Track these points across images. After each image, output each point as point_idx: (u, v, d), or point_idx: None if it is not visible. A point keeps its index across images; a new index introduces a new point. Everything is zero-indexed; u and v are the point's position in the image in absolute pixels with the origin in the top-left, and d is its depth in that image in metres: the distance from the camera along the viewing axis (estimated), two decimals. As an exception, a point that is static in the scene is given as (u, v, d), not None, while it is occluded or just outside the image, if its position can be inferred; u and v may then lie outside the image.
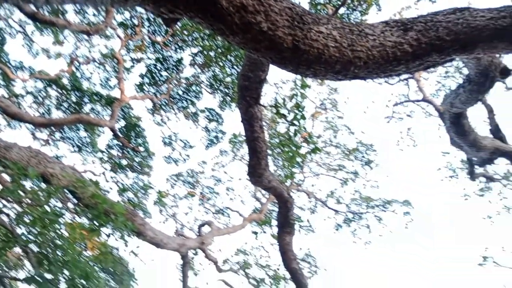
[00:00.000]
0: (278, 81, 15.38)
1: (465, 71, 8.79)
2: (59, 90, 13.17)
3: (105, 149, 14.05)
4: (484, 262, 10.83)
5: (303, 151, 7.23)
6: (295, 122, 6.13)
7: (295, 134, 6.45)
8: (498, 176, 13.77)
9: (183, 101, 13.49)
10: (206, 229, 12.04)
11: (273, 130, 10.52)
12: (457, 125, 7.09)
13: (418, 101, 13.83)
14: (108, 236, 6.82)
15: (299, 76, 6.63)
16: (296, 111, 6.01)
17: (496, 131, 8.55)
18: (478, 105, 9.80)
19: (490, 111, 9.01)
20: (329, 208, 15.71)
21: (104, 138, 14.09)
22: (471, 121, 7.45)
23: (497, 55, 5.66)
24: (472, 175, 11.94)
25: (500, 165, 13.70)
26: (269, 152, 8.05)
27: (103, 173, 13.91)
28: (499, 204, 13.86)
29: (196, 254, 11.95)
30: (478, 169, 12.62)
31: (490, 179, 13.17)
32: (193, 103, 13.59)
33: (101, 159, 14.11)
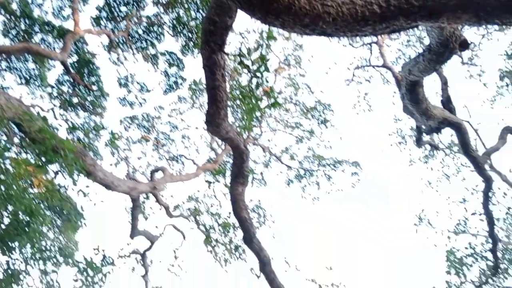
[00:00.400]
0: (244, 31, 14.99)
1: (426, 41, 9.01)
2: (7, 16, 12.06)
3: (55, 84, 13.27)
4: (419, 223, 11.70)
5: (263, 104, 7.24)
6: (258, 74, 6.05)
7: (257, 87, 6.40)
8: (442, 145, 14.64)
9: (143, 41, 12.83)
10: (159, 175, 12.00)
11: (235, 82, 10.39)
12: (412, 93, 7.32)
13: (378, 66, 14.12)
14: (56, 173, 6.63)
15: (266, 28, 6.49)
16: (260, 63, 5.92)
17: (447, 102, 8.96)
18: (433, 76, 10.17)
19: (445, 82, 9.38)
20: (282, 163, 16.12)
21: (55, 72, 13.26)
22: (425, 91, 7.76)
23: (459, 27, 5.81)
24: (419, 143, 12.58)
25: (445, 135, 14.50)
26: (229, 103, 7.97)
27: (52, 110, 13.22)
28: (440, 171, 14.84)
29: (147, 198, 11.97)
30: (425, 137, 13.31)
31: (434, 147, 13.97)
32: (153, 45, 12.98)
33: (50, 94, 13.34)
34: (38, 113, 11.68)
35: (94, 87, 13.03)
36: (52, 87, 13.25)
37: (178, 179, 11.32)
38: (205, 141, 15.23)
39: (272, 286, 9.69)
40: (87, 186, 6.82)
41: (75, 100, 13.34)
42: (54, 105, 13.34)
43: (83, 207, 7.33)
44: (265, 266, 9.43)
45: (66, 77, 12.95)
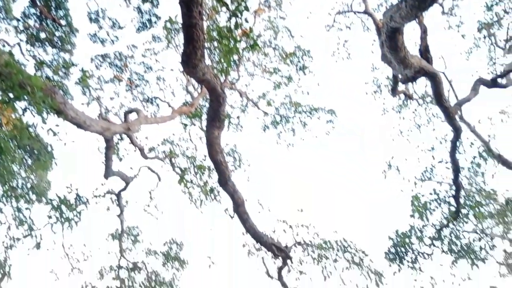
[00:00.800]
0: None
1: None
2: None
3: (21, 17, 12.41)
4: (388, 169, 12.14)
5: (241, 46, 7.03)
6: (237, 13, 5.81)
7: (235, 27, 6.17)
8: (416, 95, 14.88)
9: (115, -27, 12.02)
10: (133, 116, 11.75)
11: (213, 22, 10.00)
12: (391, 40, 7.26)
13: (359, 12, 13.87)
14: (24, 110, 6.39)
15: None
16: (239, 1, 5.66)
17: (425, 52, 8.95)
18: (413, 25, 10.09)
19: (424, 31, 9.31)
20: (259, 109, 16.08)
21: (20, 4, 12.33)
22: (404, 41, 7.71)
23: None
24: (394, 92, 12.73)
25: (420, 86, 14.70)
26: (206, 45, 7.71)
27: (18, 44, 12.48)
28: (412, 121, 15.21)
29: (121, 139, 11.80)
30: (400, 87, 13.47)
31: (409, 97, 14.19)
32: (125, -22, 12.18)
33: (16, 28, 12.51)
34: (3, 46, 11.06)
35: (63, 22, 12.28)
36: (18, 20, 12.41)
37: (153, 122, 11.15)
38: (181, 83, 14.89)
39: (245, 226, 10.05)
40: (57, 125, 6.62)
41: (42, 35, 12.58)
42: (21, 40, 12.58)
43: (53, 147, 7.17)
44: (238, 207, 9.70)
45: (33, 10, 12.13)
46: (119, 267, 14.86)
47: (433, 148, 12.15)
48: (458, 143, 10.58)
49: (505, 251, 21.30)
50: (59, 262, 14.08)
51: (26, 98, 6.27)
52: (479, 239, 11.33)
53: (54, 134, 6.60)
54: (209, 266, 11.78)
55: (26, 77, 6.18)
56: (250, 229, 10.11)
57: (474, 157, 11.64)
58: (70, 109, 7.35)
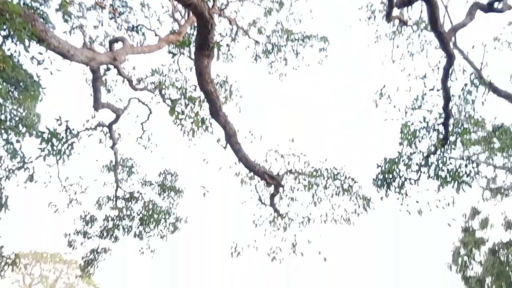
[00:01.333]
0: None
1: None
2: None
3: None
4: (379, 98, 12.12)
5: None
6: None
7: None
8: (411, 21, 14.45)
9: None
10: (118, 46, 11.32)
11: None
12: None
13: None
14: (5, 38, 6.11)
15: None
16: None
17: (422, -28, 8.54)
18: None
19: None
20: (249, 37, 15.58)
21: None
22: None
23: None
24: (388, 17, 12.31)
25: (415, 12, 14.22)
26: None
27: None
28: (405, 48, 14.93)
29: (108, 70, 11.48)
30: (395, 12, 13.02)
31: (403, 23, 13.78)
32: None
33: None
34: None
35: None
36: None
37: (140, 51, 10.77)
38: (167, 10, 14.19)
39: (238, 156, 10.21)
40: (40, 53, 6.36)
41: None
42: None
43: (40, 76, 6.95)
44: (230, 138, 9.77)
45: None
46: (116, 197, 15.28)
47: (425, 76, 12.04)
48: (450, 70, 10.49)
49: (486, 176, 22.18)
50: (57, 195, 14.42)
51: (4, 25, 5.96)
52: (465, 165, 11.66)
53: (39, 62, 6.38)
54: (204, 194, 12.12)
55: (2, 2, 5.82)
56: (243, 159, 10.28)
57: (465, 85, 11.60)
58: (52, 37, 7.03)
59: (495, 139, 13.91)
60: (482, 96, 12.23)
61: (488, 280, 21.47)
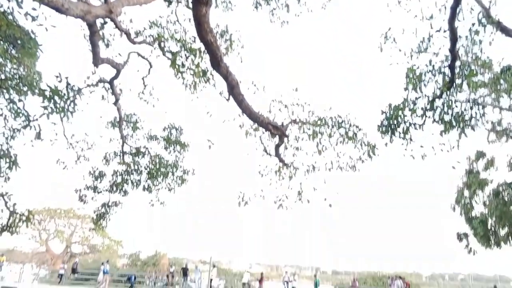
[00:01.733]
0: None
1: None
2: None
3: None
4: (385, 41, 11.79)
5: None
6: None
7: None
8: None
9: None
10: (114, -3, 10.91)
11: None
12: None
13: None
14: (-5, -6, 5.90)
15: None
16: None
17: None
18: None
19: None
20: (248, -17, 14.93)
21: None
22: None
23: None
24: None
25: None
26: None
27: None
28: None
29: (105, 23, 11.17)
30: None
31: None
32: None
33: None
34: None
35: None
36: None
37: (136, 2, 10.39)
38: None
39: (241, 107, 10.15)
40: (34, 9, 6.17)
41: None
42: None
43: (35, 33, 6.79)
44: (233, 89, 9.66)
45: None
46: (123, 152, 15.47)
47: (432, 17, 11.62)
48: (458, 10, 10.10)
49: (491, 120, 22.04)
50: (65, 152, 14.63)
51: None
52: (471, 108, 11.53)
53: (33, 18, 6.21)
54: (209, 147, 12.20)
55: (-12, -46, 5.57)
56: (246, 110, 10.22)
57: (473, 24, 11.20)
58: (44, -9, 6.77)
59: (502, 81, 13.65)
60: (490, 36, 11.86)
61: (492, 220, 22.01)
